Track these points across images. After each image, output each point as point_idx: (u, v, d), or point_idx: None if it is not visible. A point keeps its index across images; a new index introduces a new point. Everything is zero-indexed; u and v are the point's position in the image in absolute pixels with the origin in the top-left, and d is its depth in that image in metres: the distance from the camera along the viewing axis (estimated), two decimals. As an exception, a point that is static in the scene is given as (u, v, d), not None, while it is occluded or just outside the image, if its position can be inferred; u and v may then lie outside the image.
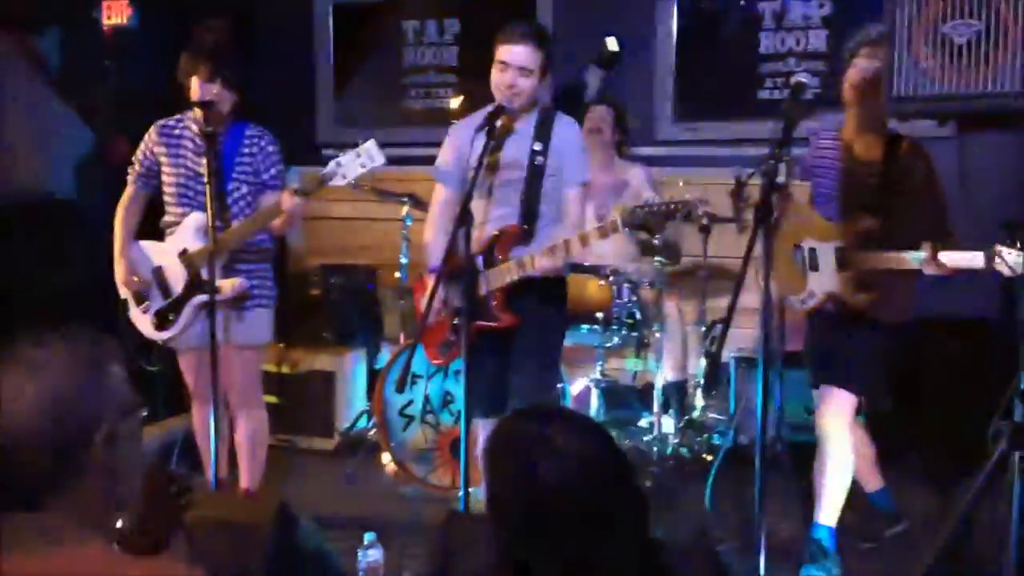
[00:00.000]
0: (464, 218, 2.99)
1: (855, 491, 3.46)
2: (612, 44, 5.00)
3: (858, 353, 3.28)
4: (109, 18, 6.07)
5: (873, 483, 3.59)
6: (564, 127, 3.29)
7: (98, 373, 1.50)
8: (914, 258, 2.98)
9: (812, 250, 3.33)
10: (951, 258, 2.94)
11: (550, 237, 3.20)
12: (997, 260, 2.73)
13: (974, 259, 2.85)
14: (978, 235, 2.94)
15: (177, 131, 3.62)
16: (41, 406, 1.43)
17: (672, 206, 3.02)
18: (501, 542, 1.52)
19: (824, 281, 3.28)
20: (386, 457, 4.28)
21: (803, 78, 2.99)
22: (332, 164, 3.33)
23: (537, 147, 3.23)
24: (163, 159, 3.61)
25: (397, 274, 4.83)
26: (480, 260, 3.24)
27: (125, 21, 6.08)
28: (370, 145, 3.30)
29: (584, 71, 5.06)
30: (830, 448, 3.27)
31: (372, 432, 4.48)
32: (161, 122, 3.66)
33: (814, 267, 3.31)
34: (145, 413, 1.60)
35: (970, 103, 2.26)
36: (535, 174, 3.23)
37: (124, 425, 1.51)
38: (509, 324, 3.23)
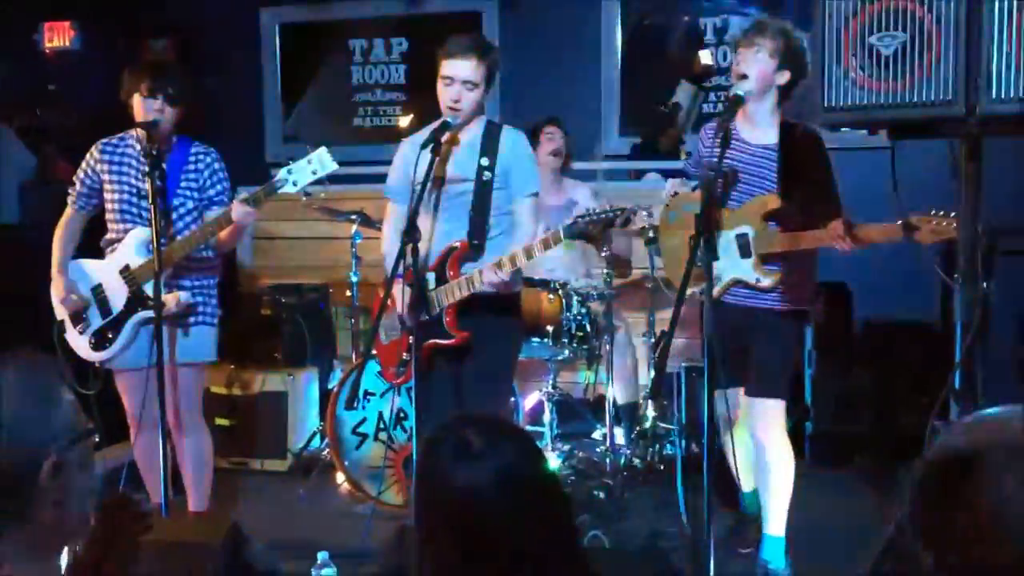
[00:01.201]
0: (411, 234, 3.01)
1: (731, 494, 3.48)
2: (706, 57, 4.75)
3: (773, 355, 3.27)
4: (51, 41, 6.02)
5: (749, 483, 3.50)
6: (511, 138, 3.31)
7: (44, 401, 1.44)
8: (829, 235, 3.00)
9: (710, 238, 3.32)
10: (868, 231, 2.97)
11: (501, 250, 3.21)
12: (922, 229, 2.78)
13: (891, 229, 2.91)
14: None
15: (120, 149, 3.59)
16: None
17: (611, 213, 3.10)
18: (430, 554, 1.51)
19: (727, 268, 3.25)
20: (340, 476, 4.26)
21: (741, 91, 3.11)
22: (282, 171, 3.32)
23: (484, 162, 3.24)
24: (105, 177, 3.57)
25: (348, 293, 4.82)
26: (432, 277, 3.25)
27: (67, 44, 6.02)
28: (321, 152, 3.30)
29: (675, 89, 4.90)
30: (770, 459, 3.27)
31: (325, 452, 4.46)
32: (104, 140, 3.62)
33: (713, 255, 3.20)
34: (96, 439, 1.54)
35: (900, 112, 2.32)
36: (483, 188, 3.24)
37: (72, 453, 1.45)
38: (461, 341, 3.23)
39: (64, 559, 1.69)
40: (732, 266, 3.25)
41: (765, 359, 3.28)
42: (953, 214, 2.65)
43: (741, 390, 3.33)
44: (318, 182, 3.37)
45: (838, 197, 3.21)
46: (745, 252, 3.24)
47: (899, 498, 1.23)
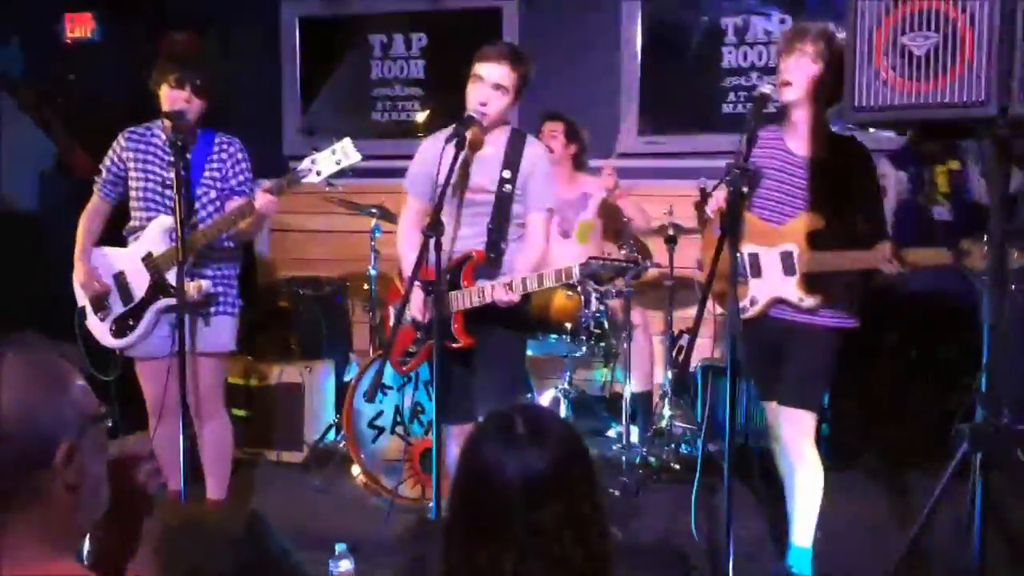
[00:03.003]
0: (435, 228, 3.02)
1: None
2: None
3: (811, 367, 3.21)
4: (73, 32, 6.04)
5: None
6: (533, 151, 3.33)
7: (56, 387, 1.42)
8: (875, 257, 2.96)
9: (754, 255, 3.23)
10: (917, 255, 2.94)
11: (512, 260, 3.27)
12: (973, 255, 2.74)
13: (941, 255, 2.88)
14: (933, 242, 3.00)
15: (146, 138, 3.62)
16: None
17: (625, 264, 3.13)
18: (457, 546, 1.52)
19: (769, 286, 3.20)
20: (356, 469, 4.27)
21: (766, 89, 3.05)
22: (307, 161, 3.34)
23: (506, 174, 3.27)
24: (131, 165, 3.60)
25: (366, 286, 4.83)
26: (446, 280, 3.26)
27: (89, 35, 6.05)
28: (346, 142, 3.31)
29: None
30: (799, 469, 3.23)
31: (341, 444, 4.47)
32: (130, 129, 3.65)
33: (756, 273, 3.23)
34: (109, 424, 1.51)
35: (931, 113, 2.32)
36: (503, 201, 3.27)
37: (86, 439, 1.43)
38: (467, 346, 3.27)
39: (87, 544, 1.70)
40: (775, 284, 3.19)
41: (802, 369, 3.20)
42: None
43: (773, 404, 3.29)
44: (341, 173, 3.38)
45: (884, 216, 3.17)
46: (789, 270, 3.17)
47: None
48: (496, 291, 3.16)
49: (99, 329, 3.62)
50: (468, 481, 1.53)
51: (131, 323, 3.58)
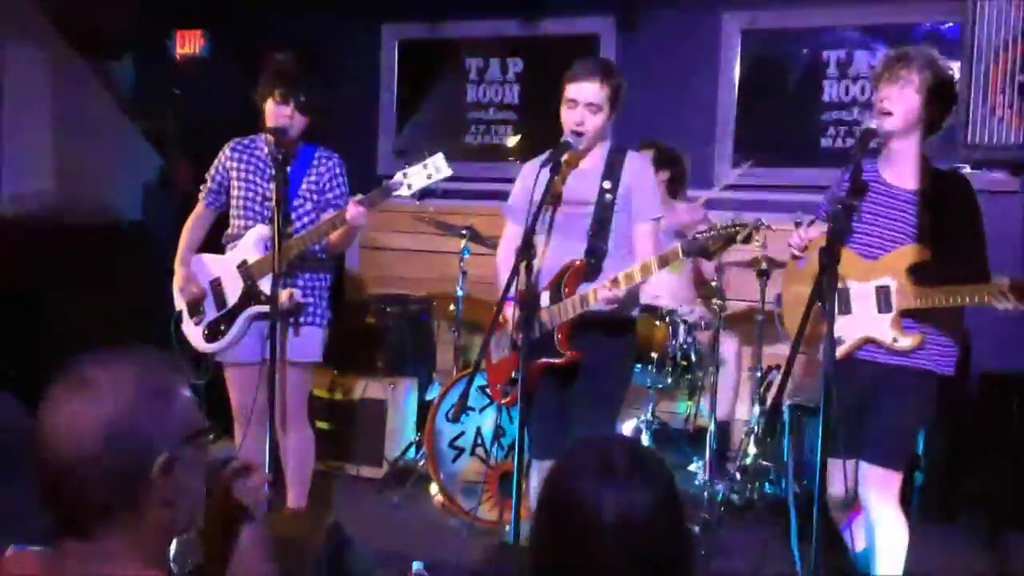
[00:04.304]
0: (526, 252, 3.01)
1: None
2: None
3: (903, 419, 3.00)
4: (182, 47, 6.26)
5: (861, 541, 3.19)
6: (635, 163, 3.29)
7: (161, 400, 1.44)
8: (990, 291, 2.74)
9: (843, 289, 2.99)
10: None
11: (617, 272, 3.16)
12: None
13: None
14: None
15: (250, 150, 3.73)
16: (98, 432, 1.37)
17: (733, 228, 2.97)
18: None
19: (859, 325, 2.99)
20: (434, 488, 4.27)
21: (873, 124, 2.95)
22: (398, 175, 3.39)
23: (607, 184, 3.22)
24: (233, 175, 3.71)
25: (452, 307, 4.85)
26: (547, 295, 3.23)
27: (197, 51, 6.26)
28: (437, 157, 3.35)
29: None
30: (883, 532, 3.01)
31: (421, 463, 4.49)
32: (235, 140, 3.76)
33: (845, 309, 3.01)
34: (211, 438, 1.53)
35: (1046, 154, 2.23)
36: (604, 210, 3.21)
37: (185, 452, 1.45)
38: (572, 360, 3.18)
39: (172, 548, 1.70)
40: (866, 322, 2.98)
41: (893, 423, 2.99)
42: None
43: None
44: (431, 188, 3.40)
45: (986, 252, 2.95)
46: (884, 306, 2.96)
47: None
48: (600, 290, 3.07)
49: (192, 333, 3.71)
50: (559, 512, 1.47)
51: (223, 328, 3.66)
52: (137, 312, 4.55)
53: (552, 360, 3.19)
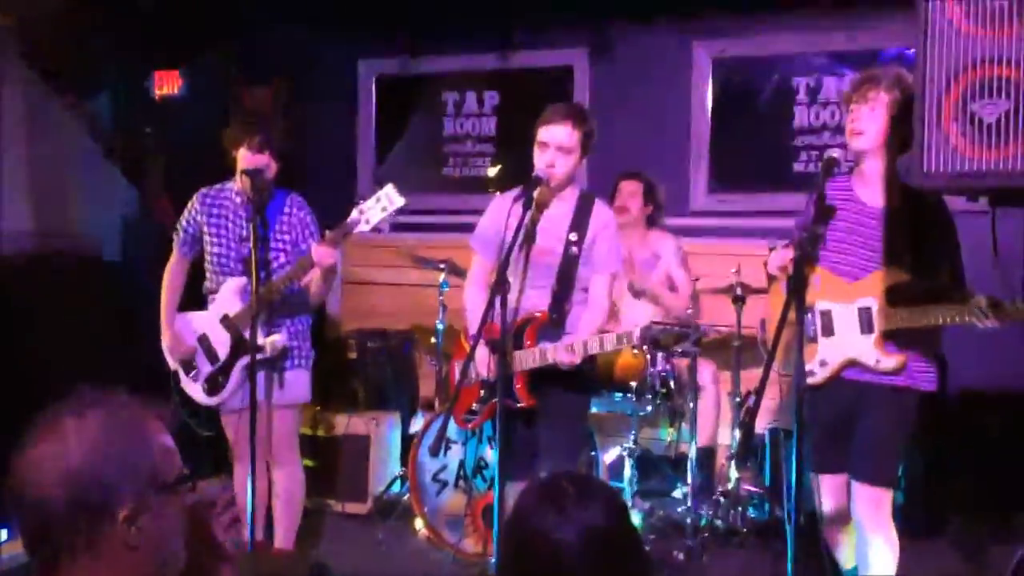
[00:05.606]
0: (501, 286, 3.05)
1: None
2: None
3: (888, 434, 3.02)
4: (161, 88, 6.30)
5: (850, 559, 3.20)
6: (602, 216, 3.36)
7: (129, 448, 1.44)
8: (970, 311, 2.76)
9: (826, 312, 3.04)
10: (1018, 308, 2.72)
11: (576, 322, 3.29)
12: None
13: None
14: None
15: (219, 200, 3.75)
16: (59, 480, 1.39)
17: (685, 330, 3.15)
18: None
19: (842, 346, 3.01)
20: (419, 522, 4.28)
21: (835, 153, 2.96)
22: (355, 212, 3.44)
23: (573, 236, 3.30)
24: (204, 227, 3.74)
25: (433, 339, 4.87)
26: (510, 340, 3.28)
27: (176, 91, 6.30)
28: (388, 189, 3.41)
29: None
30: (875, 552, 3.01)
31: (406, 497, 4.49)
32: (203, 191, 3.79)
33: (828, 332, 3.04)
34: (189, 485, 1.51)
35: (1003, 181, 2.28)
36: (569, 263, 3.30)
37: (156, 499, 1.44)
38: (529, 406, 3.29)
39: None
40: (850, 344, 3.01)
41: (879, 439, 3.00)
42: None
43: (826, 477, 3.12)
44: (388, 219, 3.44)
45: (963, 269, 2.99)
46: (867, 328, 2.98)
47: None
48: (558, 353, 3.18)
49: (193, 389, 3.78)
50: (521, 543, 1.54)
51: (221, 380, 3.73)
52: (120, 352, 4.55)
53: (511, 403, 3.25)
